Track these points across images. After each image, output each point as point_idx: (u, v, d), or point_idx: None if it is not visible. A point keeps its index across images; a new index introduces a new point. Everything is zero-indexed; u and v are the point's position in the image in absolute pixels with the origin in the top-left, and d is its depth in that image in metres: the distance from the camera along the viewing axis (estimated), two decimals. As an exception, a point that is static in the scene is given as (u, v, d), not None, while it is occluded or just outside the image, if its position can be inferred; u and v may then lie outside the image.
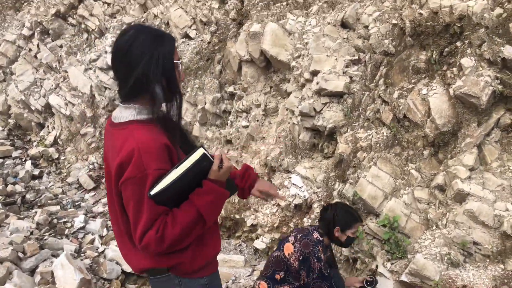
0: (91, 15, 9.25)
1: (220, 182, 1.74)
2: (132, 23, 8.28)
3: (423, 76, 4.47)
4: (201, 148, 1.70)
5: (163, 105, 1.85)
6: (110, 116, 1.90)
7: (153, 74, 1.71)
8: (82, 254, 5.05)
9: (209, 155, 1.71)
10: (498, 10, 4.05)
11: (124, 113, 1.80)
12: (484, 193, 3.77)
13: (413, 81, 4.50)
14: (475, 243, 3.70)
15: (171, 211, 1.70)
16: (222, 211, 5.94)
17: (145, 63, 1.71)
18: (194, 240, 1.79)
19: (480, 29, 4.05)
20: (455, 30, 4.27)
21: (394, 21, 4.83)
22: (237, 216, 5.79)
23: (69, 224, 5.70)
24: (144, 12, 8.37)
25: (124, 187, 1.69)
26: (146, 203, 1.66)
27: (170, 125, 1.84)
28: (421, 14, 4.49)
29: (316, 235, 3.26)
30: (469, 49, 4.10)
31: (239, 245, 5.78)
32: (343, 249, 4.34)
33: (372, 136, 4.60)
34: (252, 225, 5.47)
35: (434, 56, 4.39)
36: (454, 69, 4.17)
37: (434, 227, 4.00)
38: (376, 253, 4.13)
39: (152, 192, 1.62)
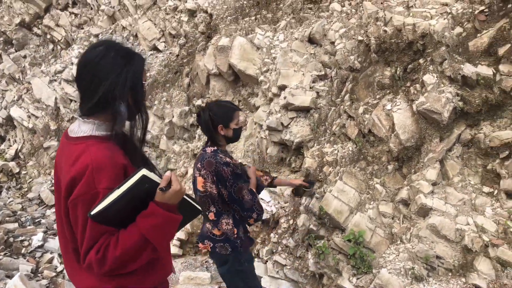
0: (57, 25, 9.06)
1: (166, 205, 1.61)
2: (100, 35, 8.15)
3: (388, 92, 4.53)
4: (143, 169, 1.58)
5: (126, 123, 1.82)
6: (67, 129, 1.85)
7: (119, 92, 1.69)
8: (39, 275, 4.81)
9: (153, 177, 1.61)
10: (458, 29, 4.17)
11: (83, 127, 1.74)
12: (446, 208, 3.82)
13: (378, 96, 4.56)
14: (438, 257, 3.73)
15: (118, 232, 1.63)
16: (188, 226, 5.81)
17: (112, 80, 1.69)
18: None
19: (442, 47, 4.15)
20: (418, 47, 4.36)
21: (359, 38, 4.90)
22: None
23: (26, 243, 5.44)
24: (113, 24, 8.25)
25: (72, 205, 1.62)
26: (89, 223, 1.59)
27: (129, 144, 1.80)
28: (385, 31, 4.57)
29: (209, 149, 2.98)
30: (431, 66, 4.19)
31: (206, 262, 5.65)
32: (309, 264, 4.30)
33: (338, 151, 4.61)
34: (218, 241, 5.36)
35: (398, 73, 4.47)
36: (417, 85, 4.25)
37: (398, 242, 4.02)
38: (341, 268, 4.10)
39: (92, 212, 1.55)
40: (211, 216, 2.96)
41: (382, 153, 4.35)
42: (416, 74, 4.32)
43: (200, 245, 3.09)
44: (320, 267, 4.24)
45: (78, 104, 1.82)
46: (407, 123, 4.19)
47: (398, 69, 4.47)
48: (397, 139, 4.19)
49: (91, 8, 8.72)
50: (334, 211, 4.18)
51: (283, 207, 5.06)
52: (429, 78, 4.11)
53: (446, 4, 4.35)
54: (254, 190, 3.01)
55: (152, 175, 1.60)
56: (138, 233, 1.58)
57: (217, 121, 2.97)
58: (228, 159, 2.91)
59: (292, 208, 4.94)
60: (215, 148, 2.99)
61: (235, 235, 2.98)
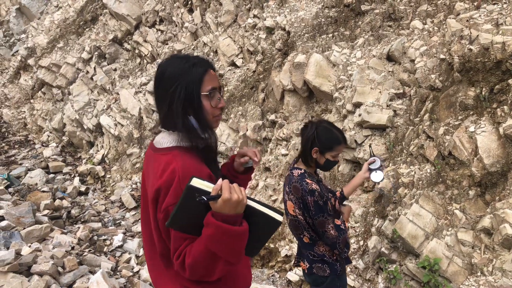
0: (145, 41, 9.74)
1: (220, 215, 1.53)
2: (183, 50, 8.62)
3: (471, 113, 4.30)
4: (193, 179, 1.54)
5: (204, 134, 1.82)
6: (152, 140, 1.92)
7: (175, 107, 1.71)
8: (118, 273, 5.14)
9: (205, 186, 1.54)
10: (555, 48, 3.87)
11: (167, 139, 1.80)
12: (536, 241, 3.52)
13: (460, 117, 4.35)
14: (524, 294, 3.44)
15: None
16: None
17: (169, 96, 1.72)
18: (223, 276, 1.73)
19: (534, 66, 3.88)
20: (507, 67, 4.10)
21: (442, 56, 4.72)
22: (271, 246, 5.72)
23: (108, 242, 5.85)
24: (195, 40, 8.69)
25: (165, 213, 1.67)
26: (173, 230, 1.66)
27: (210, 156, 1.83)
28: (470, 49, 4.37)
29: (296, 172, 2.79)
30: (521, 87, 3.92)
31: (272, 275, 5.68)
32: (379, 288, 4.16)
33: (415, 172, 4.45)
34: (286, 255, 5.38)
35: (483, 93, 4.23)
36: (505, 107, 3.99)
37: (478, 273, 3.76)
38: (414, 296, 3.92)
39: (167, 223, 1.61)
40: (306, 239, 2.86)
41: (463, 177, 4.12)
42: (504, 95, 4.06)
43: (301, 264, 2.98)
44: (390, 292, 4.09)
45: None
46: (492, 146, 3.94)
47: (484, 89, 4.23)
48: (481, 163, 3.95)
49: (176, 25, 9.26)
50: (409, 235, 4.02)
51: (354, 227, 4.96)
52: (519, 100, 3.85)
53: (542, 21, 4.06)
54: (346, 225, 2.88)
55: (204, 184, 1.55)
56: (202, 243, 1.59)
57: (317, 143, 2.76)
58: (314, 186, 2.69)
59: (363, 229, 4.83)
60: (303, 170, 2.80)
61: (334, 258, 2.86)
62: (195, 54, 8.25)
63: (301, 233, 2.84)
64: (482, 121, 4.16)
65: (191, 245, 1.64)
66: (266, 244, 5.90)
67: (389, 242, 4.22)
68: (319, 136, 2.75)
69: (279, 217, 1.63)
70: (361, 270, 4.49)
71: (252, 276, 5.80)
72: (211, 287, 1.77)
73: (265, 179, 6.21)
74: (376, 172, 3.13)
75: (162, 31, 9.54)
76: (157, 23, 9.67)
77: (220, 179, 1.56)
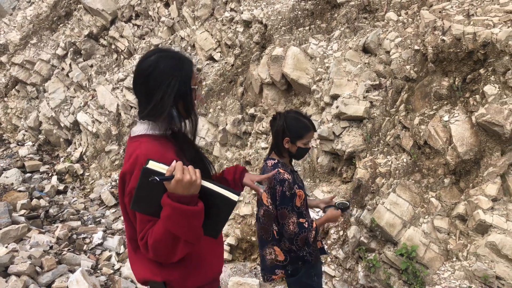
0: (122, 36, 9.59)
1: (175, 195, 1.59)
2: (160, 45, 8.52)
3: (445, 102, 4.39)
4: (149, 162, 1.61)
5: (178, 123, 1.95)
6: (130, 131, 2.02)
7: (167, 99, 1.81)
8: (98, 271, 5.09)
9: (161, 168, 1.61)
10: (524, 38, 3.96)
11: (139, 127, 1.89)
12: (508, 225, 3.62)
13: (434, 107, 4.43)
14: (497, 278, 3.54)
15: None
16: (238, 232, 5.91)
17: (164, 89, 1.81)
18: (187, 259, 1.80)
19: (505, 56, 3.97)
20: (479, 57, 4.20)
21: (416, 47, 4.79)
22: (253, 239, 5.74)
23: (87, 240, 5.78)
24: (172, 34, 8.60)
25: (129, 197, 1.75)
26: (138, 213, 1.73)
27: (183, 142, 1.91)
28: (443, 40, 4.44)
29: (270, 162, 2.82)
30: (492, 76, 4.01)
31: (255, 268, 5.71)
32: (359, 277, 4.23)
33: (391, 162, 4.52)
34: (268, 248, 5.40)
35: (456, 83, 4.32)
36: (477, 96, 4.08)
37: (454, 259, 3.86)
38: (393, 283, 4.00)
39: (130, 205, 1.68)
40: (275, 232, 2.84)
41: (438, 165, 4.21)
42: (476, 84, 4.15)
43: (274, 277, 2.93)
44: (370, 280, 4.16)
45: (137, 111, 1.94)
46: (466, 135, 4.03)
47: (457, 79, 4.32)
48: (455, 151, 4.04)
49: (152, 20, 9.15)
50: (386, 224, 4.09)
51: (334, 217, 5.02)
52: (490, 89, 3.94)
53: (511, 12, 4.16)
54: (315, 226, 2.77)
55: (159, 166, 1.61)
56: (162, 224, 1.65)
57: (287, 133, 2.79)
58: (286, 176, 2.71)
59: (342, 219, 4.89)
60: (276, 160, 2.84)
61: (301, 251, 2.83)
62: (173, 48, 8.18)
63: (270, 226, 2.85)
64: (455, 111, 4.25)
65: (153, 227, 1.70)
66: (248, 237, 5.92)
67: (368, 231, 4.29)
68: (288, 126, 2.80)
69: (234, 197, 1.69)
70: (341, 260, 4.55)
71: (235, 269, 5.84)
72: (176, 271, 1.83)
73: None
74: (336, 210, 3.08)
75: (138, 26, 9.41)
76: (133, 17, 9.53)
77: (174, 161, 1.62)
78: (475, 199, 3.80)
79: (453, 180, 4.12)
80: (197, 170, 1.64)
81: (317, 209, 5.10)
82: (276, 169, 2.72)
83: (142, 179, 1.61)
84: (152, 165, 1.61)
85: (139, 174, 1.64)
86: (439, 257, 3.90)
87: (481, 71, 4.14)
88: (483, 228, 3.71)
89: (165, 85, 1.80)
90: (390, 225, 4.07)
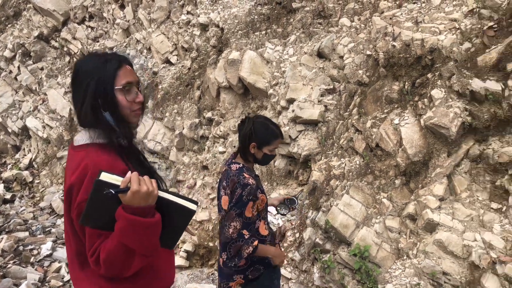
0: (74, 38, 9.28)
1: (130, 207, 1.52)
2: (115, 48, 8.32)
3: (396, 106, 4.53)
4: (102, 174, 1.52)
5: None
6: (72, 139, 1.87)
7: (87, 102, 1.69)
8: (46, 284, 4.85)
9: (114, 180, 1.52)
10: (467, 45, 4.16)
11: (83, 136, 1.77)
12: (454, 223, 3.77)
13: (386, 111, 4.56)
14: (444, 274, 3.67)
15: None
16: (195, 239, 5.82)
17: (82, 92, 1.70)
18: (140, 271, 1.70)
19: (450, 62, 4.15)
20: (426, 62, 4.37)
21: (368, 52, 4.93)
22: (210, 244, 5.68)
23: (35, 252, 5.50)
24: (127, 37, 8.42)
25: (78, 210, 1.63)
26: (87, 228, 1.61)
27: (128, 151, 1.80)
28: (394, 46, 4.60)
29: (234, 166, 2.78)
30: (439, 81, 4.18)
31: (212, 274, 5.64)
32: (314, 278, 4.27)
33: (345, 165, 4.61)
34: (225, 253, 5.36)
35: (406, 87, 4.47)
36: (425, 100, 4.24)
37: (405, 257, 3.97)
38: (347, 283, 4.06)
39: (80, 220, 1.57)
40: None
41: (389, 167, 4.33)
42: (424, 88, 4.32)
43: (231, 284, 2.86)
44: (325, 281, 4.20)
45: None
46: (415, 137, 4.17)
47: (406, 83, 4.47)
48: (405, 153, 4.17)
49: (107, 22, 8.92)
50: (340, 225, 4.16)
51: (290, 220, 5.05)
52: (437, 93, 4.10)
53: (455, 20, 4.36)
54: (256, 245, 2.66)
55: (113, 178, 1.53)
56: (116, 237, 1.56)
57: (254, 138, 2.77)
58: (251, 181, 2.68)
59: (299, 222, 4.93)
60: (241, 165, 2.79)
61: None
62: (128, 51, 7.99)
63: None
64: (405, 114, 4.40)
65: (105, 241, 1.60)
66: (206, 243, 5.85)
67: (323, 233, 4.34)
68: (256, 131, 2.77)
69: (193, 207, 1.64)
70: (298, 262, 4.58)
71: (192, 276, 5.74)
72: (128, 285, 1.73)
73: (203, 178, 6.16)
74: (285, 208, 3.24)
75: (92, 28, 9.15)
76: (87, 19, 9.26)
77: (129, 172, 1.54)
78: (423, 199, 3.94)
79: (403, 181, 4.25)
80: (153, 180, 1.58)
81: (274, 212, 5.12)
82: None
83: (95, 192, 1.51)
84: (105, 176, 1.52)
85: (89, 186, 1.55)
86: (391, 256, 4.01)
87: (429, 75, 4.31)
88: (431, 227, 3.84)
89: (83, 87, 1.69)
90: (344, 226, 4.13)
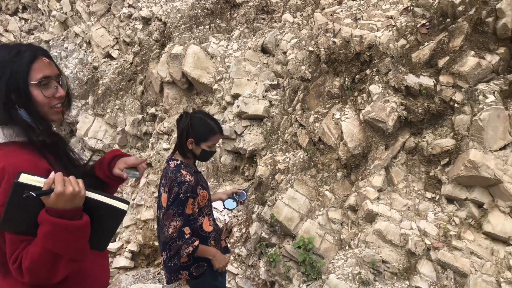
0: (6, 30, 8.72)
1: (55, 210, 1.43)
2: (51, 41, 7.91)
3: (337, 101, 4.65)
4: (21, 175, 1.42)
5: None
6: None
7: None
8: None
9: (36, 181, 1.43)
10: (402, 41, 4.34)
11: (5, 133, 1.63)
12: (391, 213, 3.94)
13: (327, 106, 4.67)
14: (383, 262, 3.82)
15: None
16: (140, 238, 5.68)
17: None
18: (69, 276, 1.60)
19: (386, 58, 4.31)
20: (365, 58, 4.51)
21: (310, 48, 5.01)
22: (156, 243, 5.56)
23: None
24: (65, 30, 8.03)
25: None
26: (7, 233, 1.50)
27: (52, 149, 1.69)
28: (334, 42, 4.70)
29: (172, 163, 2.74)
30: (377, 76, 4.34)
31: (158, 273, 5.53)
32: (261, 272, 4.30)
33: (289, 159, 4.67)
34: (171, 251, 5.27)
35: (346, 83, 4.59)
36: (364, 95, 4.38)
37: (347, 247, 4.09)
38: (292, 275, 4.12)
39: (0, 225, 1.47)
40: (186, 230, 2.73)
41: (331, 160, 4.44)
42: (363, 84, 4.46)
43: (181, 276, 2.84)
44: (271, 275, 4.24)
45: None
46: (355, 131, 4.30)
47: (347, 79, 4.60)
48: (345, 147, 4.29)
49: (42, 14, 8.46)
50: (285, 218, 4.21)
51: (236, 216, 5.05)
52: (375, 88, 4.25)
53: (391, 17, 4.54)
54: (196, 245, 2.65)
55: (34, 180, 1.43)
56: (40, 243, 1.47)
57: (192, 134, 2.72)
58: (188, 178, 2.63)
59: (245, 217, 4.94)
60: (179, 161, 2.75)
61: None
62: (66, 45, 7.63)
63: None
64: (346, 109, 4.52)
65: (28, 247, 1.49)
66: (151, 242, 5.72)
67: (269, 227, 4.37)
68: (194, 127, 2.73)
69: (123, 207, 1.57)
70: (244, 257, 4.60)
71: (137, 276, 5.60)
72: None
73: (147, 176, 6.01)
74: (233, 201, 3.24)
75: (26, 20, 8.64)
76: (20, 10, 8.72)
77: (52, 173, 1.44)
78: (363, 191, 4.07)
79: (345, 174, 4.37)
80: (80, 181, 1.48)
81: (220, 208, 5.10)
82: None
83: (14, 195, 1.41)
84: (25, 178, 1.42)
85: (7, 189, 1.44)
86: (334, 246, 4.11)
87: (367, 71, 4.46)
88: (371, 217, 3.98)
89: None
90: (289, 219, 4.19)
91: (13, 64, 1.57)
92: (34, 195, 1.38)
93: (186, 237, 2.63)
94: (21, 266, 1.49)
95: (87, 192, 1.52)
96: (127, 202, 1.60)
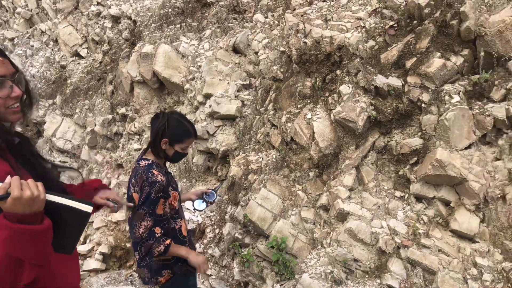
0: (-33, 27, 8.38)
1: (14, 215, 1.40)
2: (16, 38, 7.65)
3: (308, 101, 4.69)
4: None
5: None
6: None
7: None
8: None
9: None
10: (371, 43, 4.41)
11: None
12: (362, 212, 4.00)
13: (299, 106, 4.70)
14: (355, 260, 3.89)
15: None
16: (111, 240, 5.58)
17: None
18: (37, 279, 1.57)
19: (356, 59, 4.37)
20: (335, 59, 4.56)
21: (282, 49, 5.03)
22: (128, 245, 5.48)
23: None
24: (30, 27, 7.78)
25: None
26: None
27: (12, 151, 1.64)
28: (305, 43, 4.73)
29: (143, 162, 2.73)
30: (347, 77, 4.39)
31: (131, 275, 5.45)
32: (234, 273, 4.30)
33: (262, 159, 4.68)
34: (143, 253, 5.20)
35: (317, 83, 4.64)
36: (335, 95, 4.43)
37: (319, 246, 4.14)
38: (266, 275, 4.14)
39: None
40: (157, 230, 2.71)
41: (303, 160, 4.47)
42: (334, 84, 4.51)
43: (160, 279, 2.81)
44: (245, 275, 4.25)
45: None
46: (326, 131, 4.35)
47: (318, 79, 4.64)
48: (317, 146, 4.33)
49: (6, 11, 8.17)
50: (258, 218, 4.22)
51: (209, 216, 5.03)
52: (345, 89, 4.31)
53: (361, 19, 4.60)
54: (168, 243, 2.65)
55: None
56: (0, 248, 1.43)
57: (166, 134, 2.70)
58: (159, 178, 2.62)
59: (218, 217, 4.92)
60: (150, 161, 2.72)
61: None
62: (31, 43, 7.40)
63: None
64: (317, 109, 4.56)
65: None
66: (123, 244, 5.63)
67: (242, 227, 4.38)
68: (170, 128, 2.71)
69: (87, 208, 1.55)
70: (218, 258, 4.58)
71: (109, 279, 5.50)
72: None
73: (118, 177, 5.91)
74: (203, 202, 3.20)
75: (-11, 16, 8.32)
76: (-18, 6, 8.40)
77: (9, 176, 1.41)
78: (335, 190, 4.13)
79: (317, 173, 4.41)
80: (39, 184, 1.44)
81: (192, 209, 5.06)
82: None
83: None
84: None
85: None
86: (306, 246, 4.15)
87: (338, 72, 4.51)
88: (343, 216, 4.04)
89: None
90: (262, 219, 4.21)
91: None
92: (1, 198, 1.35)
93: (157, 235, 2.62)
94: None
95: (48, 195, 1.49)
96: (90, 204, 1.57)
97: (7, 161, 1.60)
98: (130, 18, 6.28)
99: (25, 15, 7.73)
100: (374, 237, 3.88)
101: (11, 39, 7.64)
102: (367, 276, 3.87)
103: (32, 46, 7.31)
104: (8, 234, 1.40)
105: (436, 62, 3.96)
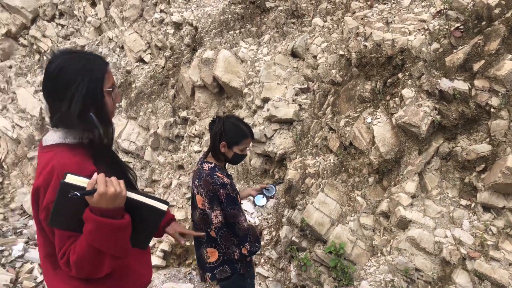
0: (44, 36, 9.05)
1: (98, 209, 1.52)
2: (86, 46, 8.16)
3: (368, 105, 4.61)
4: (67, 176, 1.51)
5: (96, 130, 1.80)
6: (41, 139, 1.84)
7: (75, 104, 1.66)
8: (18, 285, 4.77)
9: (80, 182, 1.51)
10: (435, 45, 4.27)
11: (53, 136, 1.75)
12: (425, 220, 3.88)
13: (358, 110, 4.64)
14: (417, 270, 3.77)
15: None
16: (171, 238, 5.79)
17: (70, 93, 1.68)
18: (113, 271, 1.72)
19: (419, 62, 4.25)
20: (397, 62, 4.46)
21: (341, 52, 4.99)
22: (187, 243, 5.66)
23: (6, 253, 5.38)
24: (99, 35, 8.27)
25: (46, 212, 1.62)
26: (57, 229, 1.62)
27: (99, 151, 1.79)
28: (366, 46, 4.67)
29: (206, 166, 2.84)
30: (409, 80, 4.28)
31: (189, 273, 5.63)
32: (291, 276, 4.32)
33: (320, 163, 4.66)
34: (202, 253, 5.36)
35: (378, 86, 4.55)
36: (396, 99, 4.33)
37: (379, 254, 4.06)
38: (323, 280, 4.12)
39: (48, 222, 1.57)
40: (212, 234, 2.87)
41: (363, 165, 4.41)
42: (395, 88, 4.41)
43: (218, 276, 2.96)
44: (302, 279, 4.26)
45: (48, 117, 1.79)
46: (387, 136, 4.26)
47: (378, 83, 4.55)
48: (377, 151, 4.25)
49: (78, 20, 8.73)
50: (316, 222, 4.22)
51: (266, 218, 5.09)
52: (408, 92, 4.20)
53: (424, 21, 4.46)
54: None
55: (79, 180, 1.52)
56: (85, 240, 1.57)
57: (224, 138, 2.81)
58: (226, 180, 2.76)
59: (275, 220, 4.97)
60: (213, 164, 2.84)
61: (236, 255, 2.90)
62: (100, 50, 7.85)
63: (209, 227, 2.88)
64: (377, 113, 4.48)
65: (75, 243, 1.61)
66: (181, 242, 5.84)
67: (299, 231, 4.39)
68: (226, 131, 2.82)
69: (163, 207, 1.65)
70: (275, 260, 4.63)
71: (169, 275, 5.72)
72: (102, 286, 1.75)
73: (179, 177, 6.13)
74: (263, 197, 3.28)
75: (62, 26, 8.93)
76: (57, 16, 9.03)
77: (96, 173, 1.54)
78: (396, 197, 4.03)
79: (376, 179, 4.33)
80: (121, 181, 1.58)
81: (251, 211, 5.15)
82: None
83: (61, 194, 1.51)
84: (71, 179, 1.52)
85: (56, 188, 1.54)
86: (365, 253, 4.09)
87: (400, 75, 4.40)
88: (404, 224, 3.94)
89: (72, 88, 1.67)
90: (319, 224, 4.20)
91: (91, 72, 1.71)
92: (79, 194, 1.48)
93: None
94: (69, 261, 1.60)
95: (128, 192, 1.61)
96: (166, 203, 1.68)
97: (92, 160, 1.75)
98: (191, 25, 6.50)
99: (95, 23, 8.23)
100: (437, 247, 3.75)
101: (82, 46, 8.16)
102: (429, 286, 3.75)
103: (101, 52, 7.76)
104: (93, 226, 1.53)
105: (507, 65, 3.76)
